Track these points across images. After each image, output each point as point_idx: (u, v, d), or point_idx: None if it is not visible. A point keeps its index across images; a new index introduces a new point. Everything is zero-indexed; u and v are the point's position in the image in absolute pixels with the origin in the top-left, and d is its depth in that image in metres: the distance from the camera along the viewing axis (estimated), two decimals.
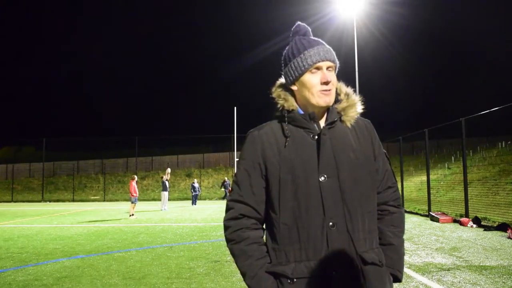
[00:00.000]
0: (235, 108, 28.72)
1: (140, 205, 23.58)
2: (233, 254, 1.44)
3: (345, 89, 1.51)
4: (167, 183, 19.11)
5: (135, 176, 16.43)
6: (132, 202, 15.17)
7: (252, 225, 1.44)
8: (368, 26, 25.83)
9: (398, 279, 1.48)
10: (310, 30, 1.50)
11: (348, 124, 1.46)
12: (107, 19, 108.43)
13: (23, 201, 31.41)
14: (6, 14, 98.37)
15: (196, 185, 23.97)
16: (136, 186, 15.71)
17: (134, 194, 15.29)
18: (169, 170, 20.29)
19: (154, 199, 30.61)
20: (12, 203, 29.78)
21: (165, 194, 18.92)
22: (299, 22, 1.51)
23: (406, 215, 13.16)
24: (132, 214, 14.91)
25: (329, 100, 1.40)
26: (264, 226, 1.49)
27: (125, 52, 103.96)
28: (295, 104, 1.46)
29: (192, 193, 23.51)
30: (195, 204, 22.80)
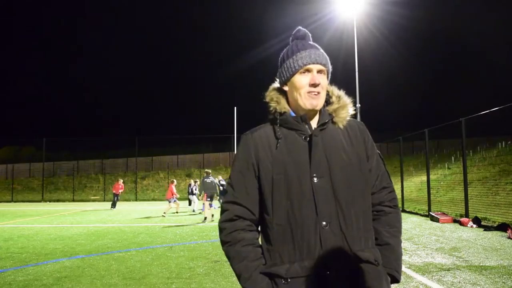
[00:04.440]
0: (235, 108, 28.74)
1: (141, 205, 23.57)
2: (228, 256, 1.45)
3: (336, 91, 1.54)
4: (195, 187, 18.80)
5: (175, 180, 17.83)
6: (170, 202, 16.12)
7: (247, 227, 1.45)
8: (368, 26, 25.87)
9: (396, 280, 1.46)
10: (310, 35, 1.53)
11: (340, 125, 1.48)
12: (106, 18, 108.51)
13: (23, 201, 31.39)
14: (5, 14, 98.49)
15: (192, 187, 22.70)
16: (174, 188, 16.64)
17: (173, 196, 16.20)
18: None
19: (154, 199, 30.78)
20: (12, 203, 29.77)
21: (193, 198, 18.72)
22: (300, 27, 1.54)
23: (406, 215, 13.15)
24: (165, 213, 15.45)
25: (316, 103, 1.42)
26: (259, 228, 1.50)
27: (125, 52, 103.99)
28: (287, 106, 1.49)
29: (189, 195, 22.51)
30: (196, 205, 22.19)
